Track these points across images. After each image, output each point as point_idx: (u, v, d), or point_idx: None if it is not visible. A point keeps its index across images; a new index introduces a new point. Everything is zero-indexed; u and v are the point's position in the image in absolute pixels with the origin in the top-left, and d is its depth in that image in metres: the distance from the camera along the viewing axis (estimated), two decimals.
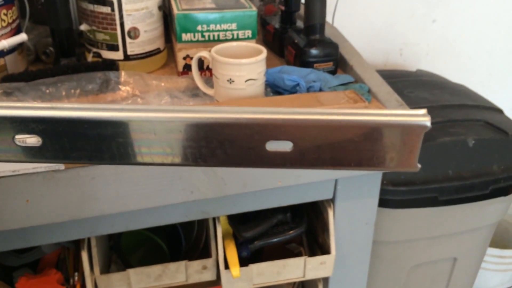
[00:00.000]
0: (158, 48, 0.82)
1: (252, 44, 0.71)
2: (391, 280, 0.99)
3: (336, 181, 0.72)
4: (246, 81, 0.66)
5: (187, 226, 0.84)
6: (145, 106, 0.18)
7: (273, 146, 0.18)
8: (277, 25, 0.92)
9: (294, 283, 0.89)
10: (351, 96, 0.66)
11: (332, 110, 0.18)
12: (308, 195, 0.71)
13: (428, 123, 0.18)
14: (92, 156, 0.18)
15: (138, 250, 0.82)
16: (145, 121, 0.17)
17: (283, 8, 0.90)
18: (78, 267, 0.74)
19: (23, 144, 0.18)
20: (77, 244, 0.78)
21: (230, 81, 0.66)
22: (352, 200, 0.74)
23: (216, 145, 0.18)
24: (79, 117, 0.17)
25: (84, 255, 0.67)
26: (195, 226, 0.85)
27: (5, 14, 0.69)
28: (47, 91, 0.63)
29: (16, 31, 0.72)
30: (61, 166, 0.56)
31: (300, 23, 0.91)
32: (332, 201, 0.73)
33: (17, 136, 0.18)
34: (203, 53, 0.69)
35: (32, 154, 0.18)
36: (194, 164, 0.18)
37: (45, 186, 0.57)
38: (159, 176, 0.60)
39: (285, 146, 0.18)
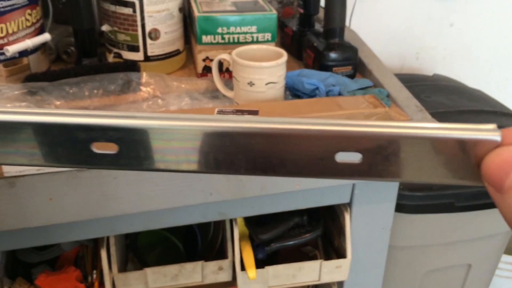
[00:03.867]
0: (178, 50, 0.83)
1: (272, 47, 0.72)
2: (405, 285, 0.99)
3: (353, 185, 0.72)
4: (266, 84, 0.67)
5: (203, 226, 0.85)
6: (220, 116, 0.18)
7: (342, 157, 0.19)
8: (295, 28, 0.92)
9: (308, 286, 0.89)
10: (371, 101, 0.66)
11: (404, 124, 0.18)
12: (325, 199, 0.72)
13: (499, 138, 0.19)
14: (163, 165, 0.19)
15: (155, 249, 0.83)
16: (220, 132, 0.18)
17: (302, 11, 0.90)
18: (96, 264, 0.75)
19: (100, 151, 0.18)
20: (95, 242, 0.79)
21: (251, 84, 0.66)
22: (369, 204, 0.74)
23: (287, 155, 0.18)
24: (157, 126, 0.18)
25: (103, 253, 0.68)
26: (211, 226, 0.85)
27: (30, 14, 0.70)
28: (71, 91, 0.64)
29: (40, 31, 0.74)
30: None
31: (318, 26, 0.91)
32: (349, 205, 0.73)
33: (94, 144, 0.18)
34: (224, 56, 0.70)
35: (107, 161, 0.18)
36: (263, 174, 0.19)
37: (68, 185, 0.57)
38: (179, 178, 0.61)
39: (354, 157, 0.19)
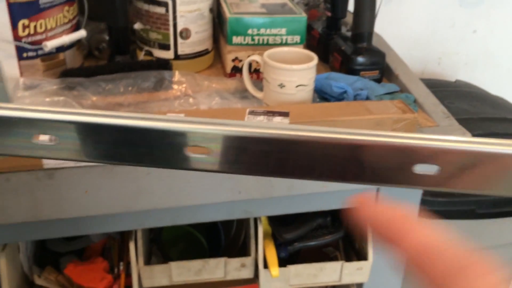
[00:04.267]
0: (207, 49, 0.84)
1: (303, 50, 0.73)
2: None
3: (378, 189, 0.72)
4: (296, 86, 0.68)
5: (226, 223, 0.86)
6: (309, 127, 0.19)
7: (420, 168, 0.20)
8: (321, 30, 0.93)
9: (326, 286, 0.90)
10: (400, 106, 0.67)
11: (481, 140, 0.19)
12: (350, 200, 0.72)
13: None
14: (252, 169, 0.20)
15: (178, 244, 0.84)
16: (308, 141, 0.19)
17: (329, 14, 0.91)
18: (123, 256, 0.77)
19: (194, 155, 0.20)
20: (122, 235, 0.81)
21: (281, 85, 0.68)
22: None
23: (368, 164, 0.19)
24: (249, 134, 0.19)
25: (132, 246, 0.70)
26: (234, 224, 0.87)
27: (67, 11, 0.72)
28: (107, 87, 0.66)
29: (76, 27, 0.76)
30: None
31: (343, 29, 0.92)
32: None
33: (189, 147, 0.20)
34: (255, 57, 0.71)
35: (199, 164, 0.20)
36: (341, 180, 0.20)
37: (104, 179, 0.59)
38: (210, 175, 0.63)
39: (431, 169, 0.20)
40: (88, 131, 0.19)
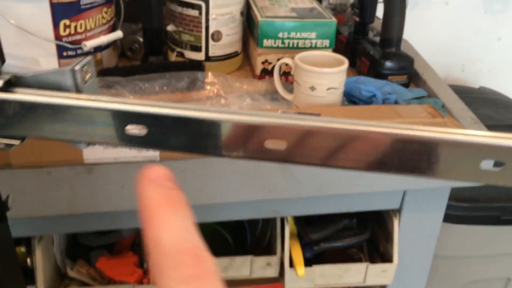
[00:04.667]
0: (236, 51, 0.86)
1: (333, 54, 0.74)
2: None
3: (404, 192, 0.73)
4: (327, 89, 0.69)
5: (252, 222, 0.88)
6: (385, 123, 0.21)
7: (486, 164, 0.21)
8: (348, 35, 0.94)
9: None
10: (429, 111, 0.68)
11: None
12: (376, 203, 0.73)
13: None
14: (323, 161, 0.21)
15: (204, 241, 0.86)
16: (382, 136, 0.20)
17: (357, 19, 0.92)
18: None
19: (271, 147, 0.21)
20: None
21: (312, 88, 0.69)
22: (418, 212, 0.75)
23: (434, 160, 0.21)
24: (324, 129, 0.21)
25: None
26: (260, 223, 0.88)
27: (106, 12, 0.75)
28: (143, 86, 0.68)
29: (113, 28, 0.78)
30: (157, 157, 0.61)
31: (370, 34, 0.93)
32: (398, 211, 0.75)
33: (268, 140, 0.21)
34: (287, 60, 0.72)
35: (276, 156, 0.21)
36: (409, 174, 0.21)
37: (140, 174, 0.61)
38: (241, 174, 0.64)
39: (496, 164, 0.21)
40: (176, 123, 0.20)
